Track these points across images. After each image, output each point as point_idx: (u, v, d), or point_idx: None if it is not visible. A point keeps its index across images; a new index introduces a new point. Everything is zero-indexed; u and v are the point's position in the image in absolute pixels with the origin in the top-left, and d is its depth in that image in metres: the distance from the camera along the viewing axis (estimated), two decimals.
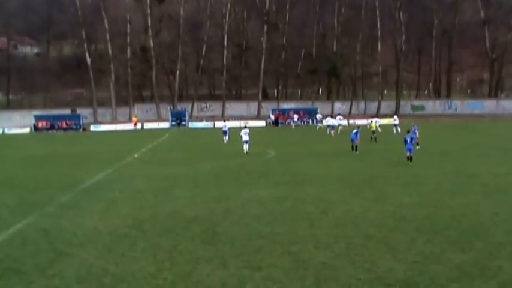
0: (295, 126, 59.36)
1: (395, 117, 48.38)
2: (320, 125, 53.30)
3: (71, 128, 67.71)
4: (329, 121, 45.07)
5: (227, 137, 37.15)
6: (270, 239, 10.26)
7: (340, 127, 44.73)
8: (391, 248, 9.46)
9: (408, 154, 22.05)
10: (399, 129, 43.50)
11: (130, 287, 7.92)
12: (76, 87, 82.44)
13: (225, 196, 15.15)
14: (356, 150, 27.39)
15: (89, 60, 73.10)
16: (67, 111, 73.38)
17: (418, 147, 26.59)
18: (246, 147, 28.89)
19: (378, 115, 69.88)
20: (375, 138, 33.94)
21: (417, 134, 27.50)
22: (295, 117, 62.24)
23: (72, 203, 14.75)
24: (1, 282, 8.31)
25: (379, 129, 39.12)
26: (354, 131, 28.17)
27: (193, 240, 10.33)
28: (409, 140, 22.13)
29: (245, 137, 29.07)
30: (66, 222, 12.21)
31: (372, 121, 38.36)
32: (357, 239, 10.12)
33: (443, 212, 12.41)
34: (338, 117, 49.04)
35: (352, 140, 27.76)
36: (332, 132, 42.06)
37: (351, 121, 61.68)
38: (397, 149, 27.19)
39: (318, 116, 59.84)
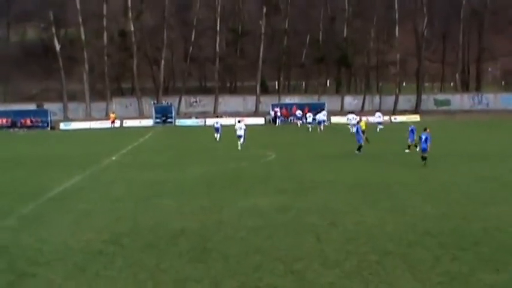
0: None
1: (378, 114, 51.10)
2: (299, 122, 60.33)
3: (37, 126, 67.71)
4: (310, 117, 54.16)
5: (219, 135, 38.44)
6: (269, 256, 10.26)
7: (322, 123, 51.26)
8: (411, 266, 9.47)
9: (422, 154, 22.73)
10: (382, 127, 45.24)
11: None
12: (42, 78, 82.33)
13: (217, 206, 15.15)
14: (359, 150, 28.04)
15: (57, 46, 73.10)
16: (32, 106, 73.34)
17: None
18: (240, 142, 31.52)
19: (395, 111, 70.32)
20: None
21: (415, 135, 27.53)
22: (278, 111, 67.76)
23: (36, 215, 14.70)
24: None
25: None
26: (354, 129, 28.42)
27: (180, 257, 10.32)
28: (423, 138, 22.60)
29: (239, 132, 31.94)
30: (29, 238, 12.16)
31: (361, 118, 39.32)
32: (371, 255, 10.13)
33: (473, 224, 12.42)
34: (322, 112, 56.33)
35: (358, 141, 28.49)
36: (310, 127, 50.71)
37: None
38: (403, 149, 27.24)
39: (298, 113, 64.95)
